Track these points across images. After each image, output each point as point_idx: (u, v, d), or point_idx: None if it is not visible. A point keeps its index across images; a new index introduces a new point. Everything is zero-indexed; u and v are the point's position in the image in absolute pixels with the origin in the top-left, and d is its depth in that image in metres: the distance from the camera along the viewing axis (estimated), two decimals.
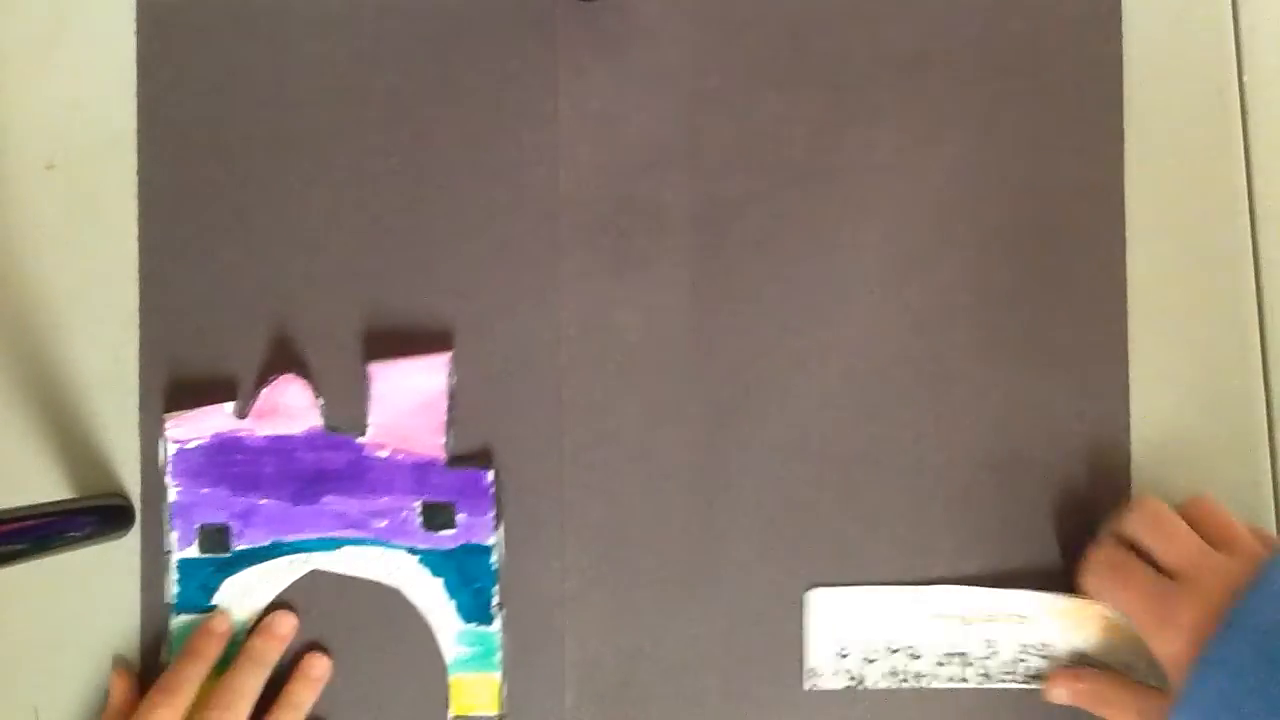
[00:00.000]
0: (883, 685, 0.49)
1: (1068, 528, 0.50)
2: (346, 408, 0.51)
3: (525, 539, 0.51)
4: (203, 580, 0.50)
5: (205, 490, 0.50)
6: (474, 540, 0.50)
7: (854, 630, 0.49)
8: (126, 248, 0.52)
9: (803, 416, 0.51)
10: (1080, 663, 0.48)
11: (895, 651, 0.49)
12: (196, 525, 0.50)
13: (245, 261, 0.51)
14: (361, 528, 0.50)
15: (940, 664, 0.49)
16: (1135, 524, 0.46)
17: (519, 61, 0.52)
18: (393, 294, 0.51)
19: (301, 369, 0.51)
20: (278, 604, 0.50)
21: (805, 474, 0.51)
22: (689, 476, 0.51)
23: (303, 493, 0.50)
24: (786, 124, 0.52)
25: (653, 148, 0.52)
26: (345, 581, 0.50)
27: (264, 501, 0.50)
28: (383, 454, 0.50)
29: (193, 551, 0.50)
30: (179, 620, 0.50)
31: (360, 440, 0.51)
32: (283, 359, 0.51)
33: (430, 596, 0.50)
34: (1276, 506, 0.50)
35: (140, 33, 0.52)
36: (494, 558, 0.50)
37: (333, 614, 0.51)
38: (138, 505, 0.51)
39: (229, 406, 0.51)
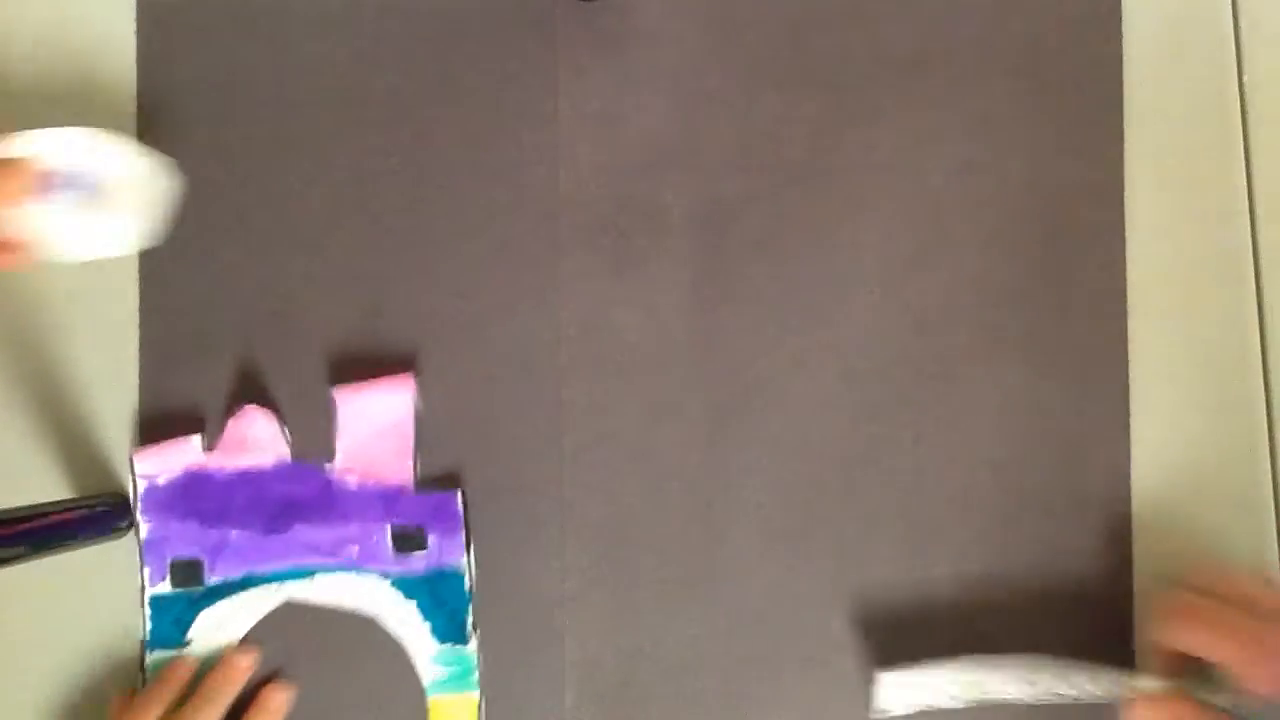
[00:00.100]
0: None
1: (1067, 528, 0.50)
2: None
3: (525, 539, 0.51)
4: (176, 615, 0.50)
5: (176, 525, 0.50)
6: (446, 562, 0.50)
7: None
8: None
9: (803, 416, 0.51)
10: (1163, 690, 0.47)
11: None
12: (168, 560, 0.50)
13: (245, 262, 0.51)
14: (333, 555, 0.50)
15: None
16: (1204, 579, 0.46)
17: (519, 61, 0.52)
18: (381, 301, 0.51)
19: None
20: (252, 637, 0.50)
21: (805, 474, 0.51)
22: (689, 476, 0.51)
23: (273, 523, 0.50)
24: (786, 124, 0.52)
25: (653, 148, 0.52)
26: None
27: (235, 534, 0.50)
28: (351, 481, 0.50)
29: (165, 587, 0.50)
30: (154, 657, 0.50)
31: (328, 468, 0.51)
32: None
33: (405, 620, 0.50)
34: (1276, 506, 0.50)
35: (140, 33, 0.52)
36: (467, 578, 0.50)
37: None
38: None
39: (196, 440, 0.51)
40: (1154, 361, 0.51)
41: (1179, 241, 0.51)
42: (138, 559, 0.51)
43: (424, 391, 0.51)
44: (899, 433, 0.51)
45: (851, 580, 0.50)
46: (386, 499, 0.50)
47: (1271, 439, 0.51)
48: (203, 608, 0.50)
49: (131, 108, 0.52)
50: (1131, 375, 0.51)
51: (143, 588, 0.50)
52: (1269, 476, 0.51)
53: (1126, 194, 0.51)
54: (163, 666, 0.49)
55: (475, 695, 0.50)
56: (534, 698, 0.50)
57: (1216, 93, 0.52)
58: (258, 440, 0.50)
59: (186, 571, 0.50)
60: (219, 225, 0.52)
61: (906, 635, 0.50)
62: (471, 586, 0.50)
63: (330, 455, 0.51)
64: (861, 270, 0.51)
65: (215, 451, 0.51)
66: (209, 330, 0.51)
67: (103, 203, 0.44)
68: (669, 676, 0.50)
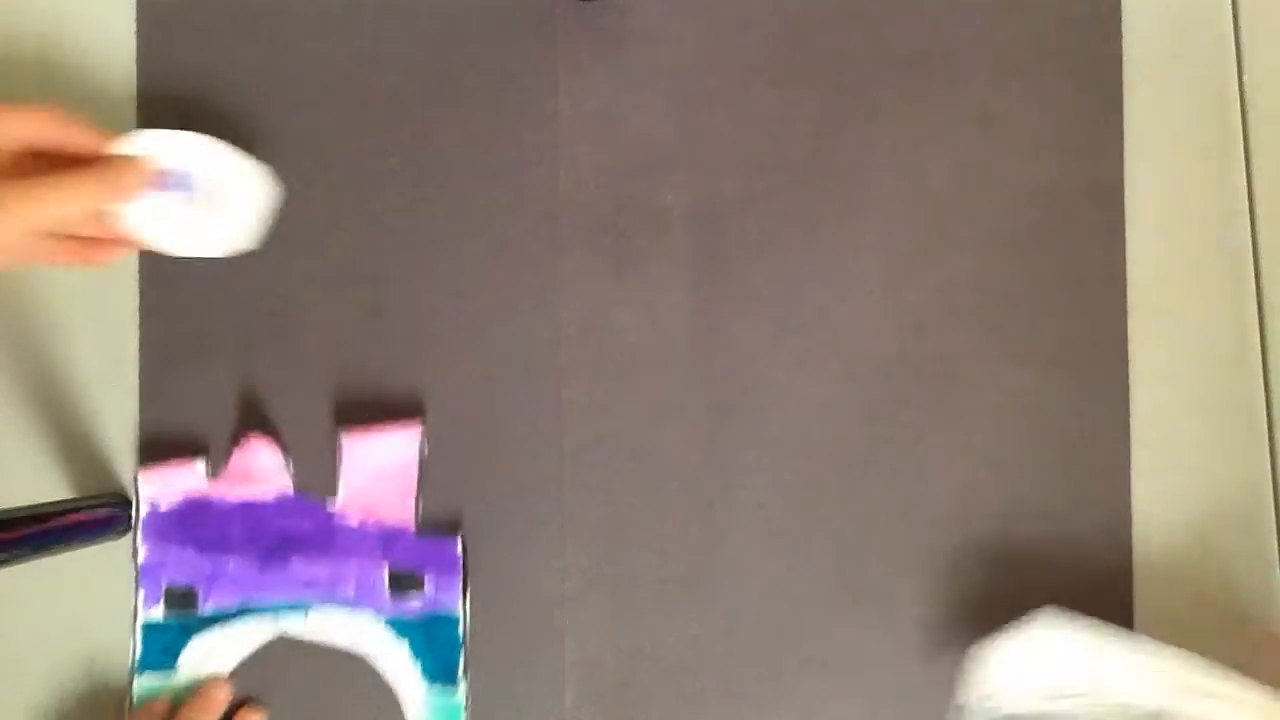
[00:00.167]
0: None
1: (1067, 528, 0.50)
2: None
3: (525, 539, 0.51)
4: (167, 641, 0.50)
5: (174, 550, 0.50)
6: (441, 607, 0.50)
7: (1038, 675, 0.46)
8: None
9: (803, 416, 0.51)
10: None
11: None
12: (163, 585, 0.50)
13: (245, 262, 0.51)
14: (329, 591, 0.50)
15: None
16: None
17: (519, 61, 0.52)
18: (382, 301, 0.51)
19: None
20: (242, 668, 0.50)
21: (805, 474, 0.51)
22: (689, 476, 0.51)
23: (271, 556, 0.50)
24: (786, 124, 0.52)
25: (652, 148, 0.52)
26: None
27: (232, 564, 0.50)
28: (352, 519, 0.50)
29: (158, 612, 0.50)
30: (142, 681, 0.50)
31: (330, 507, 0.51)
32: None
33: (396, 660, 0.50)
34: (1276, 506, 0.50)
35: (140, 33, 0.52)
36: (460, 625, 0.50)
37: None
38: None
39: (200, 465, 0.51)
40: (1154, 361, 0.51)
41: (1179, 241, 0.51)
42: (132, 582, 0.50)
43: (424, 392, 0.51)
44: (899, 433, 0.51)
45: (851, 580, 0.50)
46: (386, 539, 0.50)
47: (1271, 439, 0.51)
48: (194, 635, 0.50)
49: (132, 108, 0.52)
50: (1131, 375, 0.51)
51: (135, 612, 0.50)
52: (1269, 477, 0.51)
53: (1126, 194, 0.51)
54: (150, 692, 0.49)
55: None
56: (534, 698, 0.50)
57: (1216, 93, 0.52)
58: (261, 472, 0.50)
59: (181, 598, 0.50)
60: None
61: (906, 635, 0.50)
62: (465, 633, 0.50)
63: (332, 491, 0.51)
64: (861, 270, 0.51)
65: (218, 480, 0.50)
66: (209, 331, 0.51)
67: (209, 204, 0.46)
68: (669, 676, 0.50)
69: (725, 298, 0.51)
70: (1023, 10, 0.52)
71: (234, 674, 0.50)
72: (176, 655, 0.50)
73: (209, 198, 0.47)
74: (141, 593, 0.50)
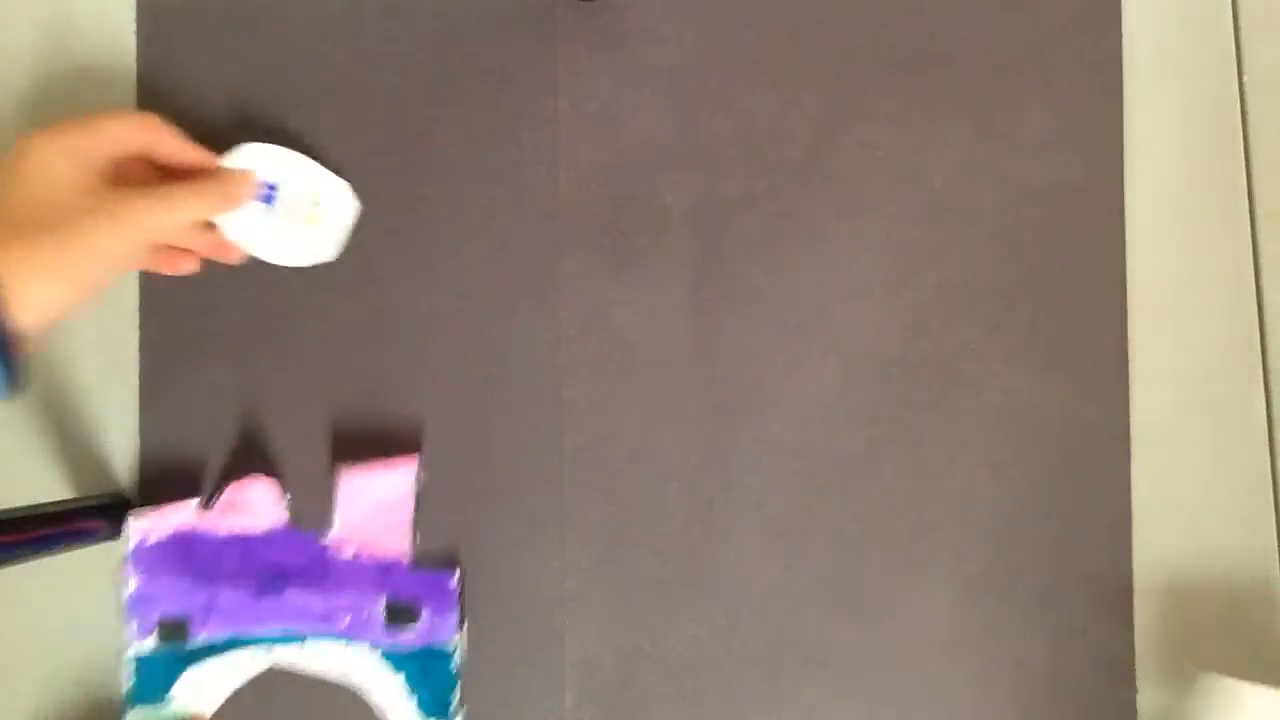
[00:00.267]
0: None
1: (1067, 528, 0.50)
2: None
3: (525, 539, 0.51)
4: (159, 672, 0.50)
5: (166, 580, 0.50)
6: (436, 640, 0.50)
7: None
8: None
9: (803, 416, 0.51)
10: None
11: None
12: (155, 616, 0.50)
13: (245, 262, 0.51)
14: (324, 622, 0.50)
15: None
16: None
17: (519, 61, 0.52)
18: (382, 302, 0.51)
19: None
20: (235, 699, 0.50)
21: (805, 474, 0.51)
22: (689, 476, 0.51)
23: (265, 586, 0.50)
24: (786, 124, 0.52)
25: (652, 148, 0.52)
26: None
27: (225, 594, 0.50)
28: (348, 551, 0.50)
29: (150, 643, 0.50)
30: (134, 713, 0.50)
31: (325, 540, 0.50)
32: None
33: (390, 693, 0.50)
34: (1276, 506, 0.50)
35: (140, 33, 0.52)
36: (455, 659, 0.50)
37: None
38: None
39: (193, 502, 0.50)
40: (1154, 362, 0.51)
41: (1179, 241, 0.51)
42: (123, 614, 0.50)
43: (424, 392, 0.51)
44: (899, 433, 0.51)
45: (851, 580, 0.50)
46: (382, 571, 0.50)
47: (1271, 439, 0.51)
48: (187, 666, 0.50)
49: (132, 108, 0.52)
50: (1131, 376, 0.51)
51: (126, 643, 0.50)
52: (1269, 477, 0.51)
53: (1126, 194, 0.51)
54: None
55: None
56: (534, 698, 0.50)
57: (1216, 93, 0.52)
58: (256, 506, 0.50)
59: (173, 628, 0.50)
60: None
61: (906, 635, 0.50)
62: (459, 667, 0.50)
63: (328, 524, 0.51)
64: (861, 270, 0.51)
65: (211, 512, 0.50)
66: (209, 332, 0.51)
67: (303, 216, 0.49)
68: (669, 676, 0.50)
69: (725, 298, 0.51)
70: (1023, 10, 0.52)
71: (226, 705, 0.50)
72: (169, 687, 0.50)
73: (302, 211, 0.49)
74: (133, 624, 0.50)
